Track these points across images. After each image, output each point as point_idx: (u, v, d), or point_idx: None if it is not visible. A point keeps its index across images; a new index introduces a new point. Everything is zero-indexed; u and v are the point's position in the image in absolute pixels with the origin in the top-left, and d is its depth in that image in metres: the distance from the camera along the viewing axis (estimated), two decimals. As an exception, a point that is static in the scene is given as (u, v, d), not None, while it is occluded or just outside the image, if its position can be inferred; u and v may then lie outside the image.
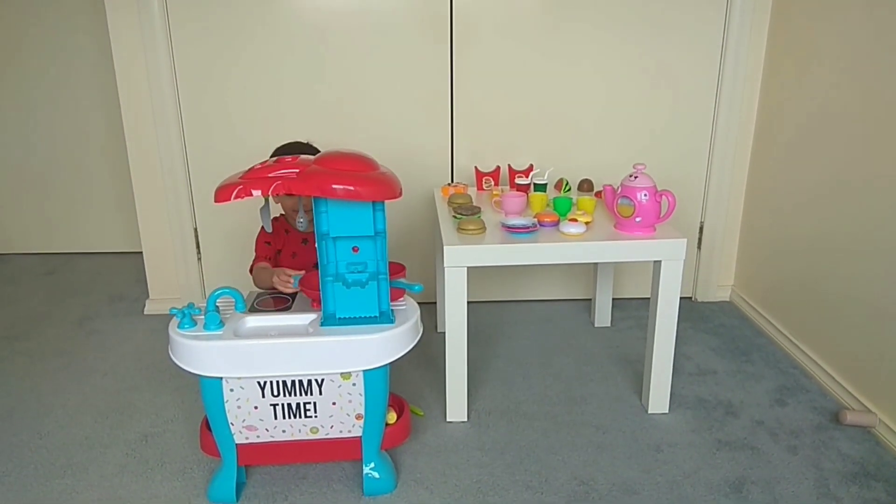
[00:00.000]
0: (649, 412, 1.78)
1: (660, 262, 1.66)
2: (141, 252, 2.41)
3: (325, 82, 2.22)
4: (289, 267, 1.66)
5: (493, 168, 2.14)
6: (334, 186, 1.30)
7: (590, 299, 2.43)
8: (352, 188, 1.30)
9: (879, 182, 1.69)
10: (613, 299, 2.31)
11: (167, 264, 2.40)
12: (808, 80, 2.00)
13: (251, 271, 1.74)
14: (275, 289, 1.61)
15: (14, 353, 2.15)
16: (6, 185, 2.95)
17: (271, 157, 1.72)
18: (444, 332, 1.69)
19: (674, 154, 2.33)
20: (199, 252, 2.38)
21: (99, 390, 1.93)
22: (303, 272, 1.56)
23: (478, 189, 2.14)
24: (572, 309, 2.43)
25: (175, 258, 2.38)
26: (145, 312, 2.43)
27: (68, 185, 2.96)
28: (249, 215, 1.83)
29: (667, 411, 1.78)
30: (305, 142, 1.85)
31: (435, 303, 2.28)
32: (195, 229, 2.36)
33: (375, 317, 1.43)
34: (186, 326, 1.40)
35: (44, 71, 2.80)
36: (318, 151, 1.79)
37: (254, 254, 1.79)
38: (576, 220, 1.70)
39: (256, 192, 1.31)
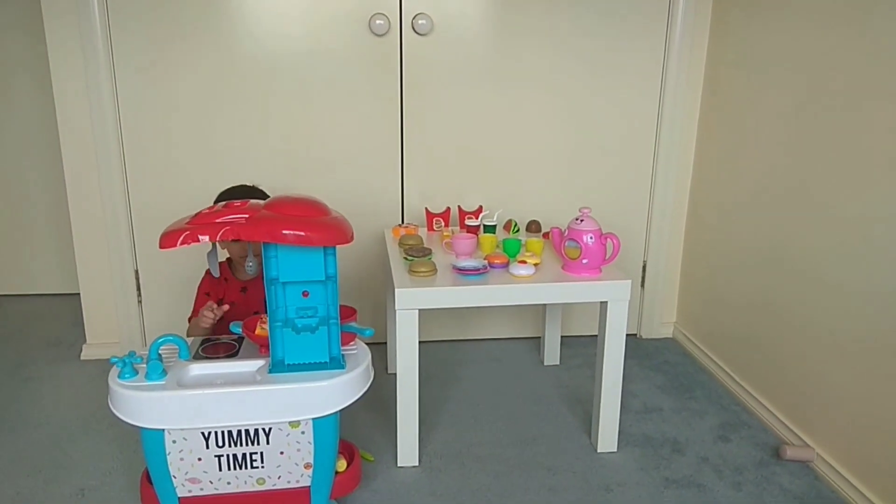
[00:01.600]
0: (598, 451, 1.80)
1: (606, 302, 1.70)
2: (78, 294, 2.32)
3: (273, 125, 2.21)
4: (228, 317, 1.63)
5: (443, 209, 2.16)
6: (285, 232, 1.29)
7: (539, 337, 2.46)
8: (303, 234, 1.29)
9: (814, 224, 1.78)
10: (562, 337, 2.34)
11: (106, 308, 2.31)
12: (743, 123, 2.10)
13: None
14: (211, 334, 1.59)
15: (-63, 403, 2.03)
16: (-67, 224, 2.82)
17: (216, 201, 1.71)
18: (395, 374, 1.68)
19: (617, 196, 2.40)
20: (139, 295, 2.31)
21: (32, 442, 1.83)
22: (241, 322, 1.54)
23: (428, 230, 2.15)
24: (522, 347, 2.45)
25: (115, 301, 2.30)
26: (82, 357, 2.33)
27: (2, 225, 2.84)
28: (193, 259, 1.80)
29: (615, 450, 1.81)
30: (251, 185, 1.84)
31: (385, 343, 2.27)
32: (136, 271, 2.29)
33: (326, 362, 1.41)
34: (127, 376, 1.35)
35: (-22, 107, 2.71)
36: (265, 195, 1.79)
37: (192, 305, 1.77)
38: (525, 262, 1.72)
39: (204, 238, 1.29)
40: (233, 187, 1.80)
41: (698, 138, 2.37)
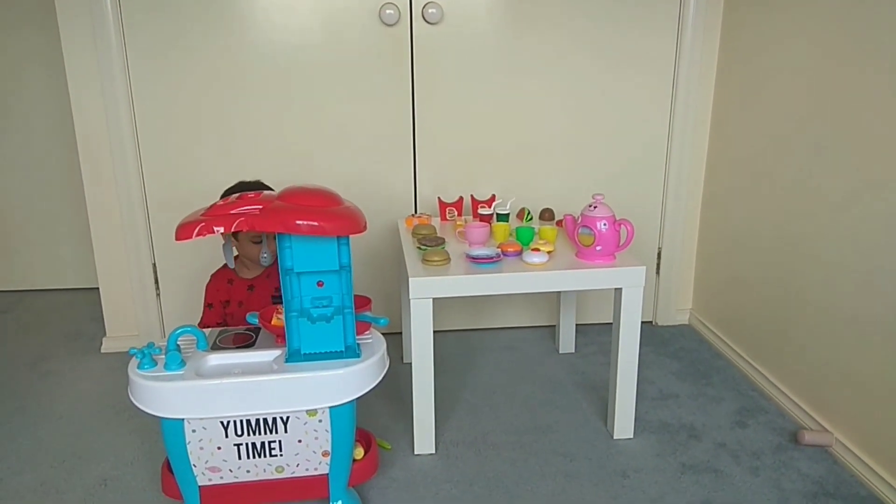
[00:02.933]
0: (615, 438, 1.80)
1: (621, 289, 1.70)
2: (97, 288, 2.35)
3: (285, 116, 2.22)
4: (239, 317, 1.65)
5: (455, 198, 2.16)
6: (298, 222, 1.29)
7: (554, 326, 2.46)
8: (316, 223, 1.30)
9: (830, 206, 1.76)
10: (577, 325, 2.34)
11: (125, 301, 2.34)
12: (757, 107, 2.08)
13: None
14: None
15: (-37, 397, 2.07)
16: (-46, 221, 2.86)
17: (221, 198, 1.72)
18: (411, 363, 1.69)
19: (631, 182, 2.39)
20: (157, 288, 2.34)
21: (55, 434, 1.86)
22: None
23: (441, 219, 2.15)
24: (537, 336, 2.45)
25: (133, 295, 2.33)
26: (102, 351, 2.36)
27: (22, 220, 2.89)
28: (210, 250, 1.82)
29: (632, 436, 1.81)
30: (254, 181, 1.84)
31: (400, 333, 2.28)
32: (154, 265, 2.32)
33: (341, 351, 1.43)
34: (146, 367, 1.37)
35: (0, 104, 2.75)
36: (268, 188, 1.80)
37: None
38: (538, 250, 1.72)
39: (219, 230, 1.30)
40: (235, 185, 1.81)
41: (713, 122, 2.35)
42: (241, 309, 1.75)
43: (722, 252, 2.33)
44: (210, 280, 1.81)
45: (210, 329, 1.56)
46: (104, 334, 2.39)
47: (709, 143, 2.38)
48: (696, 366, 2.22)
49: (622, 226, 1.70)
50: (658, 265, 2.49)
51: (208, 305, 1.79)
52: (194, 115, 2.20)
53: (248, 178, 1.85)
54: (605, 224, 1.68)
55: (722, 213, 2.31)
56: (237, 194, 1.39)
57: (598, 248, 1.70)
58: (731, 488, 1.61)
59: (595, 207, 1.70)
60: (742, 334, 2.21)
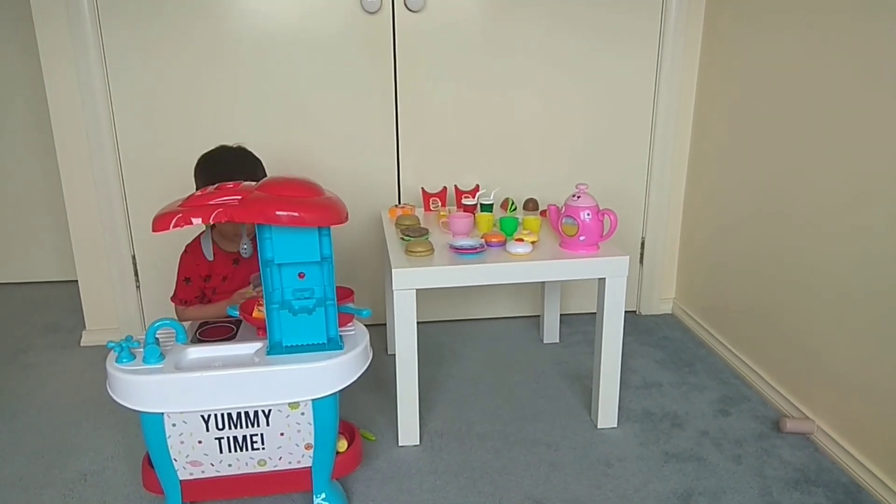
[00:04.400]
0: (598, 427, 1.81)
1: (604, 279, 1.69)
2: (76, 280, 2.31)
3: (267, 107, 2.19)
4: (223, 291, 1.63)
5: (439, 189, 2.15)
6: (278, 213, 1.27)
7: (538, 316, 2.46)
8: (296, 214, 1.28)
9: (813, 194, 1.76)
10: (561, 315, 2.34)
11: (104, 293, 2.31)
12: (740, 96, 2.08)
13: (179, 318, 1.70)
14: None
15: (-62, 392, 2.03)
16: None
17: (195, 168, 1.70)
18: (395, 355, 1.68)
19: (614, 172, 2.39)
20: (137, 280, 2.31)
21: (33, 427, 1.83)
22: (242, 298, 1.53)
23: (425, 210, 2.14)
24: (521, 326, 2.45)
25: (112, 287, 2.30)
26: (82, 344, 2.33)
27: (-3, 212, 2.84)
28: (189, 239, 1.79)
29: (615, 426, 1.81)
30: (235, 146, 1.79)
31: (385, 324, 2.27)
32: (133, 257, 2.28)
33: (323, 343, 1.41)
34: (125, 360, 1.35)
35: (-31, 94, 2.69)
36: (251, 156, 1.77)
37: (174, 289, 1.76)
38: (522, 240, 1.71)
39: (197, 221, 1.28)
40: (212, 151, 1.76)
41: (696, 111, 2.35)
42: (226, 283, 1.72)
43: (705, 241, 2.33)
44: (185, 252, 1.76)
45: (189, 322, 1.54)
46: (83, 327, 2.35)
47: (692, 132, 2.38)
48: (679, 355, 2.23)
49: (605, 216, 1.69)
50: (641, 255, 2.49)
51: (185, 280, 1.75)
52: (172, 106, 2.16)
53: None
54: (588, 214, 1.68)
55: (705, 203, 2.32)
56: (216, 185, 1.36)
57: (581, 238, 1.69)
58: (713, 476, 1.62)
59: (578, 197, 1.70)
60: (725, 323, 2.22)
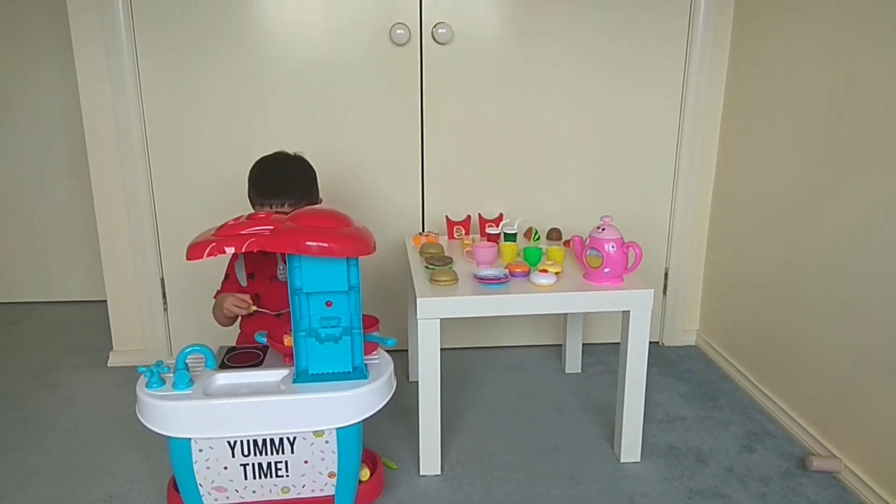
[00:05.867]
0: (621, 461, 1.79)
1: (628, 311, 1.69)
2: (105, 300, 2.36)
3: (296, 134, 2.23)
4: (259, 306, 1.65)
5: (463, 217, 2.17)
6: (308, 243, 1.30)
7: (560, 345, 2.45)
8: (326, 245, 1.31)
9: (841, 229, 1.75)
10: (583, 345, 2.34)
11: (132, 315, 2.35)
12: (767, 126, 2.09)
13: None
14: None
15: (-31, 409, 2.07)
16: (-36, 232, 2.88)
17: (250, 172, 1.75)
18: (417, 381, 1.69)
19: (638, 202, 2.39)
20: (165, 303, 2.34)
21: (60, 448, 1.86)
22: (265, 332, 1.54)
23: (449, 238, 2.16)
24: (543, 355, 2.45)
25: (140, 308, 2.34)
26: (109, 364, 2.36)
27: (31, 231, 2.90)
28: (218, 266, 1.82)
29: (638, 460, 1.80)
30: (294, 153, 1.84)
31: (407, 350, 2.27)
32: (162, 279, 2.32)
33: (349, 372, 1.43)
34: (155, 386, 1.38)
35: (8, 115, 2.77)
36: (308, 164, 1.81)
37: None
38: (546, 271, 1.72)
39: (230, 250, 1.31)
40: (271, 155, 1.81)
41: (721, 141, 2.36)
42: (262, 299, 1.73)
43: (729, 273, 2.32)
44: (233, 258, 1.79)
45: (218, 348, 1.56)
46: (111, 348, 2.39)
47: (717, 163, 2.38)
48: (703, 388, 2.21)
49: (630, 248, 1.70)
50: (665, 285, 2.48)
51: (226, 277, 1.78)
52: (204, 130, 2.21)
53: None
54: (613, 246, 1.68)
55: (730, 234, 2.31)
56: (248, 214, 1.40)
57: (606, 270, 1.69)
58: (738, 514, 1.60)
59: (603, 229, 1.71)
60: (749, 357, 2.20)
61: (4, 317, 2.81)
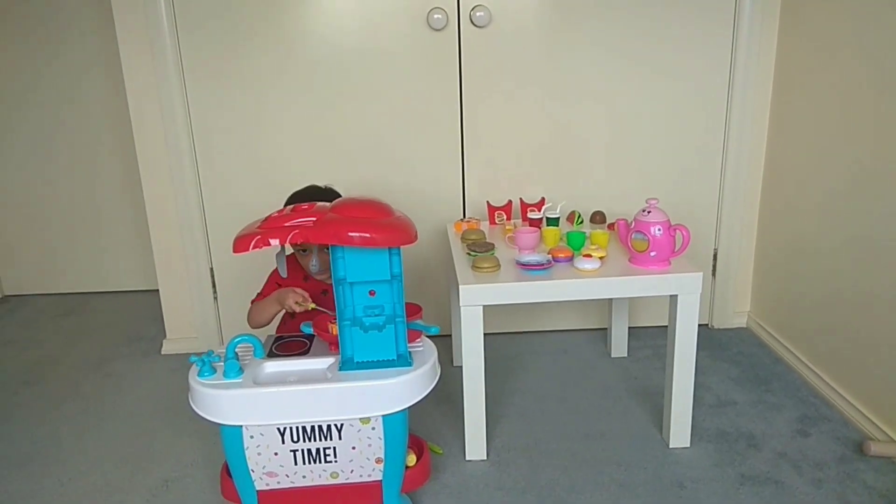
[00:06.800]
0: (670, 447, 1.77)
1: (676, 296, 1.66)
2: (158, 290, 2.42)
3: (336, 122, 2.25)
4: (301, 318, 1.65)
5: (504, 202, 2.15)
6: (351, 234, 1.31)
7: (605, 328, 2.43)
8: (368, 235, 1.31)
9: None
10: (629, 328, 2.30)
11: (184, 304, 2.42)
12: (819, 98, 2.01)
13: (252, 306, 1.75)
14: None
15: (32, 397, 2.16)
16: (22, 224, 2.99)
17: (286, 203, 1.75)
18: (460, 367, 1.69)
19: (685, 181, 2.33)
20: (215, 292, 2.40)
21: (118, 435, 1.93)
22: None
23: (490, 223, 2.15)
24: (588, 339, 2.42)
25: (191, 298, 2.40)
26: (162, 352, 2.44)
27: (84, 223, 3.00)
28: (265, 256, 1.84)
29: (688, 445, 1.77)
30: (324, 186, 1.86)
31: (450, 335, 2.28)
32: (211, 269, 2.38)
33: (393, 360, 1.44)
34: (206, 375, 1.41)
35: (61, 111, 2.85)
36: (337, 194, 1.82)
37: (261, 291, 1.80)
38: (590, 256, 1.70)
39: (274, 242, 1.33)
40: (304, 189, 1.83)
41: (772, 115, 2.27)
42: (310, 312, 1.73)
43: (782, 252, 2.25)
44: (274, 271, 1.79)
45: (266, 337, 1.59)
46: (164, 336, 2.47)
47: (768, 136, 2.30)
48: (755, 371, 2.16)
49: (678, 231, 1.66)
50: (714, 266, 2.42)
51: (276, 283, 1.76)
52: (248, 120, 2.24)
53: (315, 182, 1.87)
54: (659, 229, 1.65)
55: (783, 211, 2.24)
56: (291, 206, 1.41)
57: (652, 253, 1.66)
58: (792, 501, 1.56)
59: (649, 212, 1.67)
60: (803, 338, 2.13)
61: (62, 307, 2.92)
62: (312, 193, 1.82)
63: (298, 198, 1.81)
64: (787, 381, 2.08)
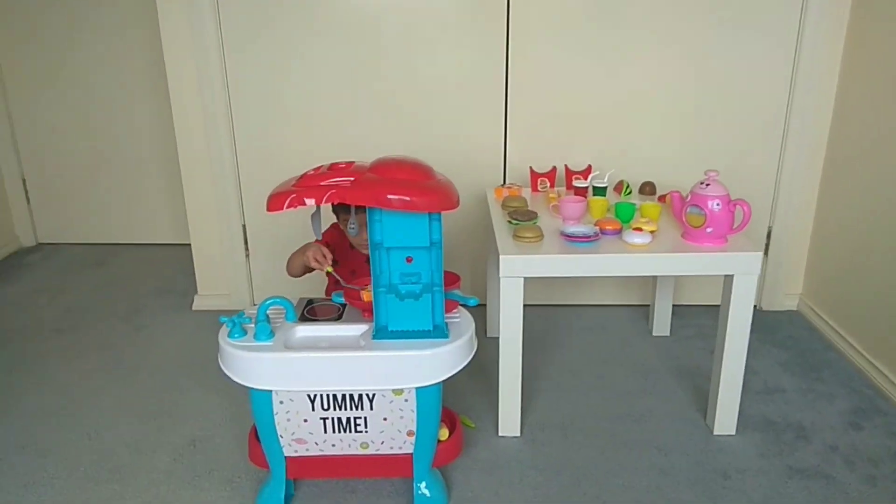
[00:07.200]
0: (715, 433, 1.68)
1: (731, 276, 1.56)
2: (190, 244, 2.39)
3: (375, 77, 2.15)
4: (345, 278, 1.57)
5: (548, 168, 2.05)
6: (390, 196, 1.23)
7: (647, 305, 2.33)
8: (408, 199, 1.24)
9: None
10: (673, 306, 2.20)
11: (215, 260, 2.38)
12: (890, 80, 1.85)
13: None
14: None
15: (63, 346, 2.15)
16: (58, 175, 2.98)
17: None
18: (495, 338, 1.63)
19: (740, 153, 2.20)
20: (247, 250, 2.36)
21: (146, 390, 1.91)
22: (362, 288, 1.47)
23: (532, 190, 2.05)
24: (629, 315, 2.33)
25: (223, 254, 2.36)
26: (193, 308, 2.42)
27: (119, 175, 2.98)
28: (299, 216, 1.78)
29: (733, 433, 1.68)
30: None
31: (485, 305, 2.20)
32: (244, 226, 2.33)
33: (429, 331, 1.37)
34: (237, 336, 1.36)
35: (99, 65, 2.82)
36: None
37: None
38: (640, 229, 1.60)
39: (310, 202, 1.26)
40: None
41: (839, 89, 2.12)
42: (353, 277, 1.66)
43: (841, 233, 2.12)
44: (330, 230, 1.73)
45: (298, 300, 1.54)
46: (195, 292, 2.44)
47: (833, 111, 2.15)
48: (805, 357, 2.05)
49: (738, 206, 1.55)
50: (767, 245, 2.30)
51: (323, 242, 1.66)
52: (284, 79, 2.16)
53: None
54: (718, 204, 1.54)
55: (844, 194, 2.10)
56: (329, 164, 1.33)
57: (708, 229, 1.55)
58: (844, 498, 1.48)
59: (708, 185, 1.56)
60: (858, 325, 2.01)
61: (94, 257, 2.92)
62: None
63: None
64: (840, 370, 1.98)
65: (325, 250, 1.58)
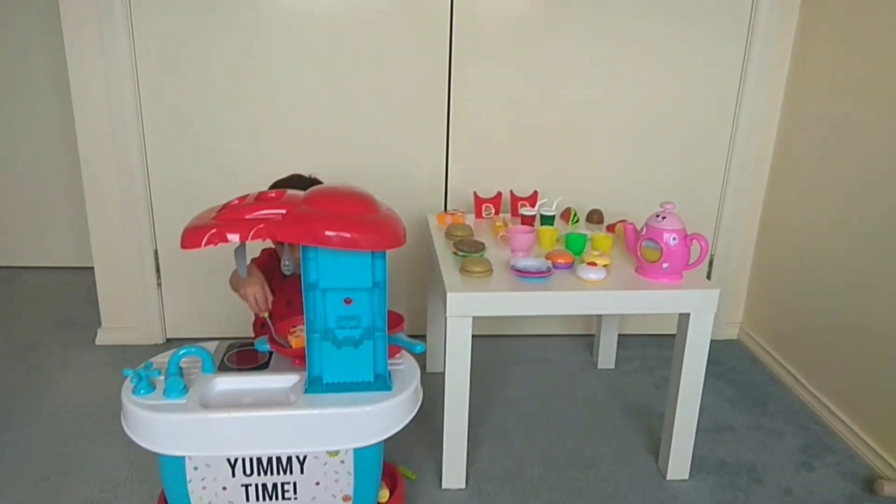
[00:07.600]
0: (668, 478, 1.60)
1: (688, 314, 1.48)
2: (93, 268, 2.13)
3: (303, 96, 1.99)
4: (280, 315, 1.40)
5: (493, 194, 1.94)
6: (328, 233, 1.08)
7: (591, 335, 2.25)
8: (348, 235, 1.08)
9: (928, 230, 1.53)
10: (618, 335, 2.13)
11: (123, 288, 2.13)
12: (832, 108, 1.84)
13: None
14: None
15: (-58, 390, 1.87)
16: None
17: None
18: (437, 373, 1.49)
19: (686, 181, 2.16)
20: (159, 278, 2.12)
21: (40, 442, 1.67)
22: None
23: (476, 216, 1.93)
24: (572, 346, 2.24)
25: (131, 282, 2.11)
26: (97, 342, 2.16)
27: (15, 192, 2.67)
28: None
29: (687, 477, 1.60)
30: (309, 176, 1.59)
31: (425, 335, 2.06)
32: (155, 251, 2.10)
33: (370, 382, 1.22)
34: (143, 392, 1.17)
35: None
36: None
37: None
38: (594, 264, 1.50)
39: (233, 237, 1.09)
40: (285, 179, 1.57)
41: (781, 120, 2.11)
42: (290, 309, 1.47)
43: (783, 261, 2.10)
44: (260, 254, 1.59)
45: (217, 344, 1.35)
46: (99, 324, 2.18)
47: (775, 144, 2.14)
48: (750, 391, 2.01)
49: (695, 241, 1.47)
50: (709, 273, 2.26)
51: (269, 256, 1.58)
52: (203, 96, 1.97)
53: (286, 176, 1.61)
54: (674, 238, 1.46)
55: (786, 224, 2.09)
56: (256, 193, 1.16)
57: (664, 265, 1.47)
58: (802, 547, 1.42)
59: (664, 218, 1.48)
60: (802, 357, 1.99)
61: (-13, 282, 2.60)
62: (296, 184, 1.54)
63: (280, 187, 1.53)
64: (785, 404, 1.94)
65: (268, 292, 1.40)
